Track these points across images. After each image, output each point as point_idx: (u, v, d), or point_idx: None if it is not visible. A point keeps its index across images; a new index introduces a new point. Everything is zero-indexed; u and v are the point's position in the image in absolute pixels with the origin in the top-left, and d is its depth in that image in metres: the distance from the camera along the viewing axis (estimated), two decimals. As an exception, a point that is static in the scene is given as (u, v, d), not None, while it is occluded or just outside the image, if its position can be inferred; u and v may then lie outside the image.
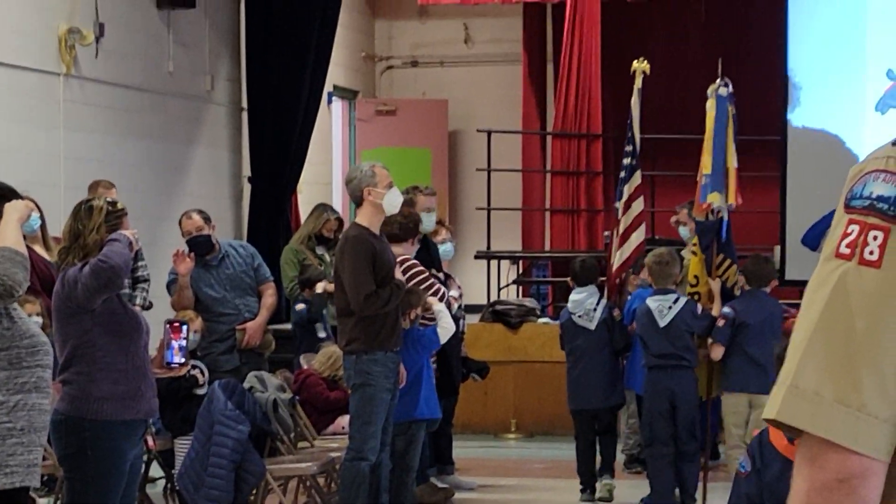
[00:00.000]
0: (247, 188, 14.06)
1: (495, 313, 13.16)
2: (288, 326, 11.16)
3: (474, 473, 10.95)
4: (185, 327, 8.24)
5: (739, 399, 9.18)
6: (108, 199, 6.69)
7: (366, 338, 8.30)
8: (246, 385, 8.76)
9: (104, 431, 6.25)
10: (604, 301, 9.87)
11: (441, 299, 9.18)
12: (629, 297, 10.10)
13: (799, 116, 13.32)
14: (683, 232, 11.02)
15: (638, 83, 10.43)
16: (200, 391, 8.95)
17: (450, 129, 16.51)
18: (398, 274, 8.53)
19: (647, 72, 10.51)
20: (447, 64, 16.88)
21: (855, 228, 1.85)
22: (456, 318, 9.66)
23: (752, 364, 9.08)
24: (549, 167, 15.93)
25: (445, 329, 9.13)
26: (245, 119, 14.12)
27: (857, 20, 13.12)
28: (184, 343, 8.23)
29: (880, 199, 1.85)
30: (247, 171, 14.09)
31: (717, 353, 9.20)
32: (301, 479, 9.16)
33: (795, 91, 13.38)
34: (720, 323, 9.19)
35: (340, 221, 11.47)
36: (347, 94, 16.49)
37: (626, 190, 10.30)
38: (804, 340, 1.86)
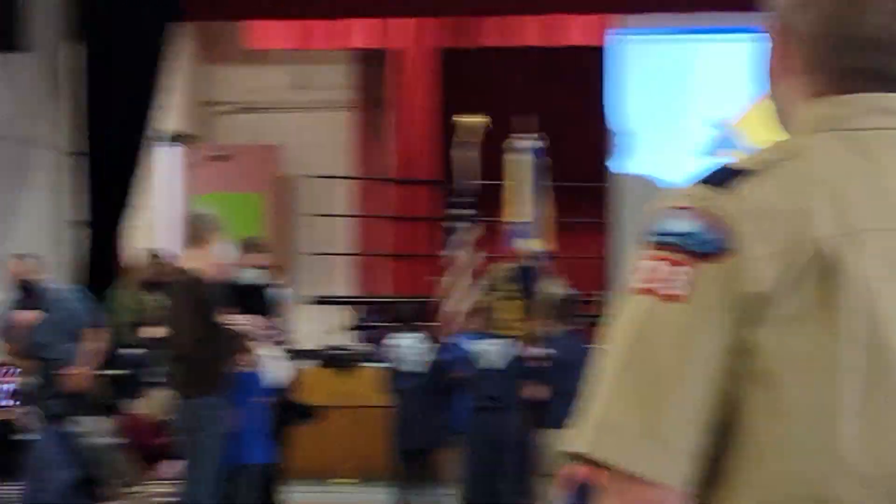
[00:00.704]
0: (76, 233, 13.88)
1: (330, 358, 13.17)
2: (119, 371, 11.04)
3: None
4: (11, 370, 8.13)
5: (557, 434, 9.19)
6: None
7: (196, 382, 8.26)
8: (73, 430, 8.66)
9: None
10: (426, 345, 10.05)
11: (268, 345, 9.21)
12: (453, 342, 10.25)
13: (625, 164, 13.60)
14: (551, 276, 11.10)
15: (479, 136, 10.65)
16: (29, 436, 8.83)
17: (283, 175, 16.49)
18: (227, 318, 8.51)
19: (489, 125, 10.73)
20: (280, 109, 16.87)
21: (658, 264, 1.88)
22: (285, 363, 9.72)
23: (570, 401, 9.10)
24: (383, 213, 15.99)
25: (277, 374, 9.19)
26: (75, 163, 13.95)
27: (683, 72, 13.47)
28: (11, 386, 8.12)
29: (682, 234, 1.88)
30: (75, 215, 13.91)
31: (542, 392, 9.43)
32: (130, 525, 9.05)
33: (621, 140, 13.66)
34: (544, 364, 9.43)
35: (172, 266, 11.40)
36: (180, 140, 16.37)
37: (461, 240, 10.45)
38: (609, 375, 1.88)
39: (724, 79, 12.74)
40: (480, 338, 9.71)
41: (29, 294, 9.73)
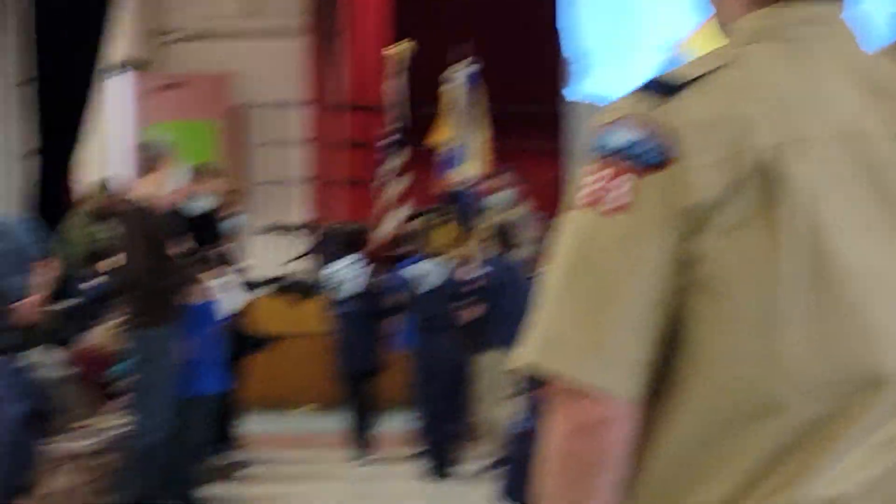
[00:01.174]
0: (26, 163, 13.72)
1: (283, 286, 13.13)
2: (70, 303, 10.93)
3: (262, 448, 10.89)
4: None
5: (496, 356, 9.51)
6: None
7: (147, 312, 8.20)
8: (23, 363, 8.56)
9: None
10: (362, 270, 10.37)
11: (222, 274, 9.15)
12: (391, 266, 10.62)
13: (579, 89, 13.56)
14: (499, 198, 11.16)
15: (399, 66, 10.82)
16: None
17: (236, 103, 16.35)
18: (178, 248, 8.43)
19: (414, 50, 10.96)
20: (232, 37, 16.69)
21: (601, 175, 1.87)
22: (238, 292, 9.69)
23: (508, 320, 9.26)
24: (335, 139, 15.89)
25: (230, 303, 9.16)
26: (26, 92, 13.77)
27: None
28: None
29: (623, 146, 1.86)
30: (26, 145, 13.75)
31: (476, 311, 9.75)
32: (81, 458, 8.98)
33: (575, 64, 13.61)
34: (477, 284, 9.73)
35: (122, 195, 11.27)
36: (132, 67, 16.19)
37: (387, 168, 11.06)
38: (552, 287, 1.88)
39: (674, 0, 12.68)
40: (417, 260, 9.96)
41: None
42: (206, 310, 8.84)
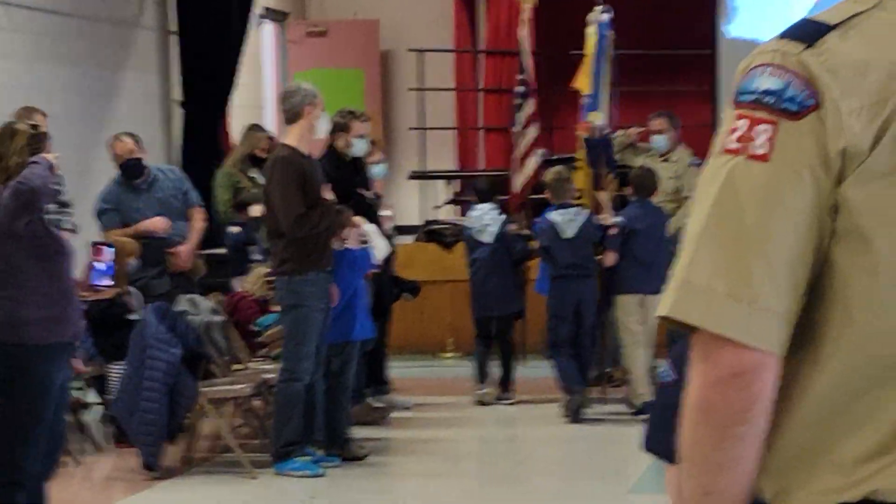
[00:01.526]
0: (177, 112, 13.93)
1: (430, 233, 13.17)
2: (221, 250, 11.11)
3: (410, 392, 10.99)
4: (109, 249, 8.18)
5: (633, 300, 9.84)
6: (30, 123, 6.64)
7: (297, 258, 8.29)
8: (178, 308, 8.73)
9: (31, 355, 6.22)
10: (501, 216, 10.47)
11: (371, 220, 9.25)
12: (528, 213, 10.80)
13: (731, 29, 13.37)
14: (660, 140, 11.12)
15: (524, 14, 11.47)
16: (133, 316, 8.93)
17: (382, 50, 16.39)
18: (328, 194, 8.50)
19: (534, 3, 10.99)
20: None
21: (743, 122, 1.85)
22: (388, 238, 9.76)
23: (642, 267, 9.76)
24: (481, 86, 15.88)
25: (379, 250, 9.22)
26: (174, 43, 13.96)
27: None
28: (109, 265, 8.18)
29: (767, 92, 1.84)
30: (177, 95, 13.95)
31: (612, 259, 9.90)
32: (236, 402, 9.16)
33: (727, 4, 13.42)
34: (613, 232, 9.89)
35: (273, 141, 11.39)
36: (278, 16, 16.32)
37: (523, 116, 11.19)
38: (695, 236, 1.86)
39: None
40: (554, 209, 9.99)
41: (131, 173, 9.79)
42: (355, 256, 8.92)
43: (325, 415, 8.66)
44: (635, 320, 9.84)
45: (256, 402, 9.36)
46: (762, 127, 1.83)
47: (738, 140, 1.85)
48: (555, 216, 9.94)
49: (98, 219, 9.79)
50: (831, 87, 1.83)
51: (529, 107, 11.26)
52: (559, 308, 9.93)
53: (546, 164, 12.17)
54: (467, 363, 11.55)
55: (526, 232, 10.78)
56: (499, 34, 15.04)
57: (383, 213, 10.07)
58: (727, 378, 1.82)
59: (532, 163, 11.15)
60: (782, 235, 1.82)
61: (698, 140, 13.38)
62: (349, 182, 9.59)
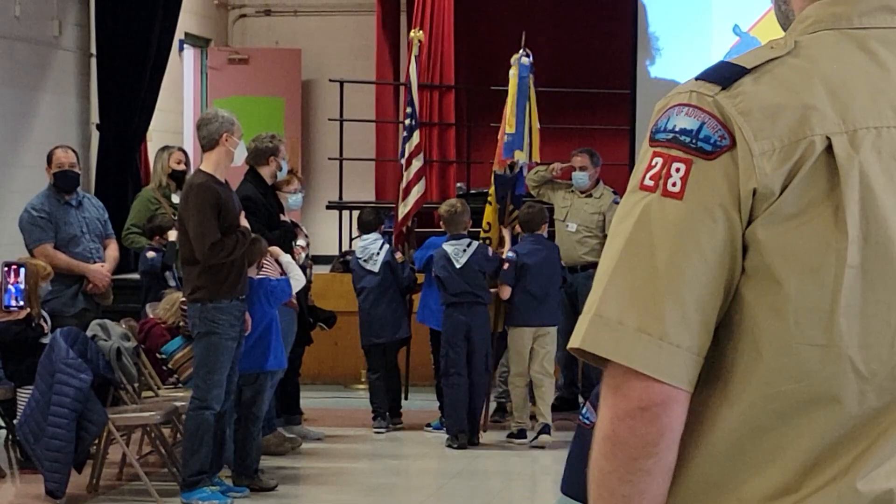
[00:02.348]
0: (95, 135, 13.83)
1: (346, 263, 13.14)
2: (134, 276, 11.02)
3: (323, 423, 10.95)
4: (22, 270, 8.09)
5: (524, 332, 10.26)
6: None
7: (211, 286, 8.24)
8: (89, 333, 8.64)
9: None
10: (387, 246, 10.84)
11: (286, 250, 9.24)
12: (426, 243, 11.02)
13: (649, 70, 13.50)
14: (581, 177, 11.34)
15: (415, 51, 11.73)
16: (45, 340, 8.82)
17: (303, 79, 16.39)
18: (243, 221, 8.46)
19: (422, 40, 11.82)
20: (301, 13, 16.74)
21: (658, 161, 1.88)
22: (304, 268, 9.75)
23: (534, 300, 10.22)
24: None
25: (297, 280, 9.21)
26: (94, 65, 13.87)
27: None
28: (21, 286, 8.08)
29: (682, 132, 1.87)
30: (95, 118, 13.85)
31: (505, 292, 10.26)
32: (145, 429, 9.07)
33: (646, 45, 13.55)
34: (505, 266, 10.27)
35: (185, 153, 11.39)
36: (199, 42, 16.28)
37: (408, 148, 11.59)
38: (608, 271, 1.88)
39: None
40: (451, 239, 10.31)
41: (67, 184, 9.79)
42: (271, 286, 8.89)
43: (235, 444, 8.60)
44: (527, 352, 10.24)
45: (166, 430, 9.28)
46: (676, 165, 1.86)
47: (653, 178, 1.87)
48: (447, 247, 10.28)
49: (28, 230, 9.67)
50: (744, 128, 1.86)
51: (415, 139, 11.65)
52: (450, 335, 10.22)
53: (462, 197, 12.52)
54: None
55: (409, 262, 11.08)
56: (420, 67, 15.05)
57: (300, 242, 10.04)
58: (635, 411, 1.84)
59: (414, 194, 11.53)
60: (693, 273, 1.84)
61: (616, 177, 13.53)
62: (275, 209, 9.58)
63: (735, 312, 1.88)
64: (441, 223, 10.51)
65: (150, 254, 10.49)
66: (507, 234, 10.75)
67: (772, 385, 1.86)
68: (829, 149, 1.84)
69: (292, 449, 10.02)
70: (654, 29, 13.51)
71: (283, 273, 9.15)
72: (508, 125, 10.88)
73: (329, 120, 15.41)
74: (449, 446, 10.16)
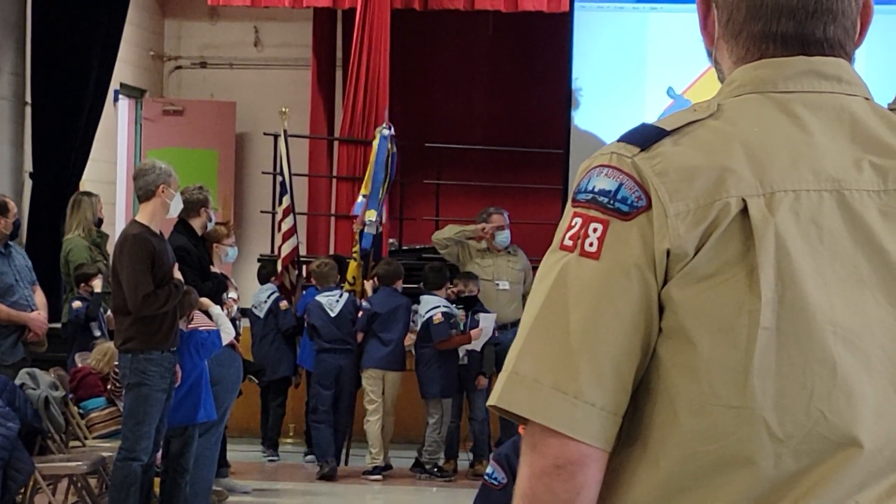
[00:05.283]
0: (28, 184, 13.77)
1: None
2: (65, 324, 10.98)
3: (249, 477, 10.92)
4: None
5: (376, 374, 11.45)
6: None
7: (142, 337, 8.23)
8: (17, 381, 8.61)
9: None
10: (275, 295, 12.12)
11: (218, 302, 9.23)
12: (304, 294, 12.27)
13: (583, 126, 13.64)
14: (503, 236, 11.69)
15: (284, 125, 13.23)
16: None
17: (237, 132, 16.40)
18: (177, 274, 8.48)
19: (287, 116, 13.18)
20: (236, 66, 16.76)
21: (578, 221, 1.91)
22: (234, 321, 9.76)
23: (383, 346, 11.41)
24: (335, 173, 15.95)
25: (227, 333, 9.20)
26: (28, 114, 13.83)
27: (639, 40, 13.51)
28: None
29: (601, 192, 1.90)
30: (28, 166, 13.80)
31: (359, 337, 11.47)
32: (71, 479, 9.03)
33: (579, 105, 13.69)
34: (360, 314, 11.49)
35: (122, 220, 11.36)
36: (134, 93, 16.26)
37: (280, 210, 13.00)
38: (526, 329, 1.90)
39: (678, 47, 12.78)
40: (324, 291, 11.61)
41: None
42: (202, 338, 8.88)
43: (161, 496, 8.57)
44: (377, 392, 11.38)
45: (92, 480, 9.23)
46: (594, 226, 1.89)
47: (572, 238, 1.90)
48: (321, 298, 11.52)
49: None
50: (660, 189, 1.88)
51: (286, 201, 12.95)
52: (321, 377, 11.40)
53: (394, 253, 13.26)
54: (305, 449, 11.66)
55: (292, 309, 12.12)
56: (354, 123, 15.12)
57: (231, 295, 10.05)
58: (551, 469, 1.85)
59: (287, 247, 12.65)
60: (609, 332, 1.86)
61: (548, 236, 13.64)
62: (206, 260, 9.59)
63: (652, 372, 1.89)
64: (313, 278, 11.81)
65: (77, 304, 10.45)
66: (368, 287, 11.81)
67: (688, 446, 1.87)
68: (744, 211, 1.86)
69: (219, 502, 9.99)
70: (587, 90, 13.66)
71: (213, 325, 9.15)
72: (364, 187, 12.28)
73: (262, 173, 15.43)
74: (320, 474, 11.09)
